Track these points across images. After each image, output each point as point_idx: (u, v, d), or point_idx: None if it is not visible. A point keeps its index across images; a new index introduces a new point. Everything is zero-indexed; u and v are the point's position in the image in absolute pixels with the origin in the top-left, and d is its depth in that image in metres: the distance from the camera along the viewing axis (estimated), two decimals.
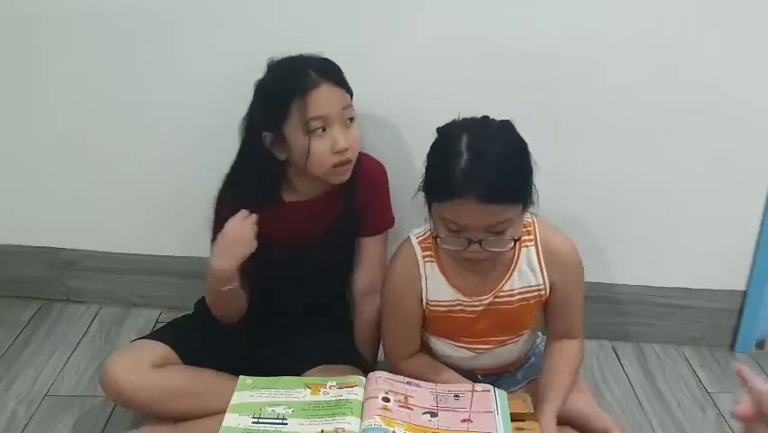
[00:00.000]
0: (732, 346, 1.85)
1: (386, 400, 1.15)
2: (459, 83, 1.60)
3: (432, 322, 1.37)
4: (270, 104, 1.38)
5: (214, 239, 1.43)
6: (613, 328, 1.84)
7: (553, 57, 1.57)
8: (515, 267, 1.32)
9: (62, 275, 1.94)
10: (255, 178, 1.43)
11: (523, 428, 1.17)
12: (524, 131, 1.25)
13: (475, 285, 1.32)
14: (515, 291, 1.32)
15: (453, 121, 1.23)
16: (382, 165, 1.53)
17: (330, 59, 1.40)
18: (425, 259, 1.32)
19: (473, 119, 1.22)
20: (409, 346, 1.39)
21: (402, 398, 1.17)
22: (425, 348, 1.42)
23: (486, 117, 1.23)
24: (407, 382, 1.22)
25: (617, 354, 1.82)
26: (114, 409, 1.55)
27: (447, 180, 1.15)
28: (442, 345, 1.40)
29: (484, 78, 1.60)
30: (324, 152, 1.36)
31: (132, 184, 1.81)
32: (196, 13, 1.63)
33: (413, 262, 1.33)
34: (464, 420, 1.13)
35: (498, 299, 1.32)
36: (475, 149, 1.15)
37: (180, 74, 1.68)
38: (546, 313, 1.38)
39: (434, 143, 1.23)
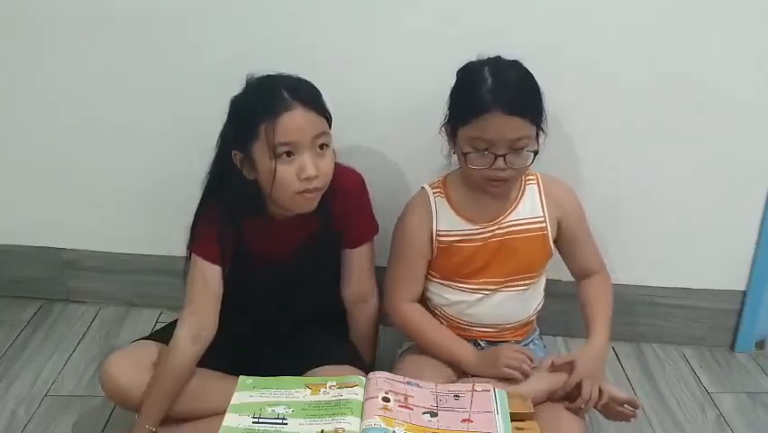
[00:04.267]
0: (732, 346, 1.85)
1: (386, 400, 1.15)
2: None
3: (439, 257, 1.44)
4: (240, 123, 1.32)
5: (191, 242, 1.41)
6: (613, 328, 1.83)
7: (553, 56, 1.57)
8: (519, 200, 1.44)
9: (62, 275, 1.94)
10: (230, 194, 1.37)
11: (523, 428, 1.17)
12: None
13: (481, 214, 1.42)
14: (518, 222, 1.43)
15: (472, 61, 1.37)
16: (357, 174, 1.45)
17: (310, 81, 1.32)
18: (435, 194, 1.45)
19: (490, 57, 1.36)
20: (411, 287, 1.46)
21: (402, 398, 1.17)
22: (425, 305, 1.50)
23: (499, 56, 1.36)
24: (407, 382, 1.22)
25: (616, 354, 1.83)
26: (113, 409, 1.55)
27: (476, 99, 1.30)
28: (444, 293, 1.45)
29: None
30: (290, 177, 1.27)
31: (133, 184, 1.82)
32: (196, 15, 1.63)
33: (425, 198, 1.45)
34: (464, 420, 1.13)
35: (501, 229, 1.42)
36: (498, 74, 1.31)
37: (181, 75, 1.68)
38: (562, 256, 1.50)
39: (458, 79, 1.37)
